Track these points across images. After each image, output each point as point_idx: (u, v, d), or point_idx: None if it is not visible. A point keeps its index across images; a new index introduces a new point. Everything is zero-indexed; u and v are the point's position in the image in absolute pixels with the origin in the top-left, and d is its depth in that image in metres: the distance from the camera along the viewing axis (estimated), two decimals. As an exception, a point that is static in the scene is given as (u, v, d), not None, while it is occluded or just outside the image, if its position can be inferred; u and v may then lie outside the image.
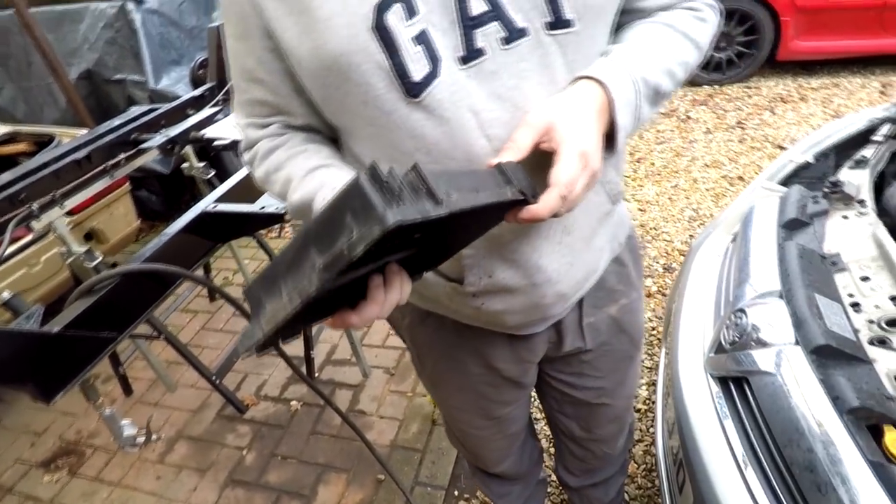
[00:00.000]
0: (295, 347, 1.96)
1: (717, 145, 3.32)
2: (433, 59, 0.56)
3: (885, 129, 1.28)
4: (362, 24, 0.55)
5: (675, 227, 2.70)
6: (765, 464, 0.88)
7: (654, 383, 1.91)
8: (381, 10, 0.54)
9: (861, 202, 1.18)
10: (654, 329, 2.12)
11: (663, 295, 2.29)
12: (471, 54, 0.57)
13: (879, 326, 0.93)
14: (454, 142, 0.59)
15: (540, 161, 0.55)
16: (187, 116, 1.94)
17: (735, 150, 3.24)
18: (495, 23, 0.57)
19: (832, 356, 0.90)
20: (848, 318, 0.95)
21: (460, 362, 0.90)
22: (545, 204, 0.53)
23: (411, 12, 0.55)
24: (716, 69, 3.90)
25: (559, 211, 0.55)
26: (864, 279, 1.02)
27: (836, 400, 0.83)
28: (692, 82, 3.97)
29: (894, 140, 1.27)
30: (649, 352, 2.02)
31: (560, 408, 1.08)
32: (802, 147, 1.39)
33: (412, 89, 0.57)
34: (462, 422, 1.05)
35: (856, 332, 0.92)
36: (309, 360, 1.92)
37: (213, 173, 2.05)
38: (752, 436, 0.93)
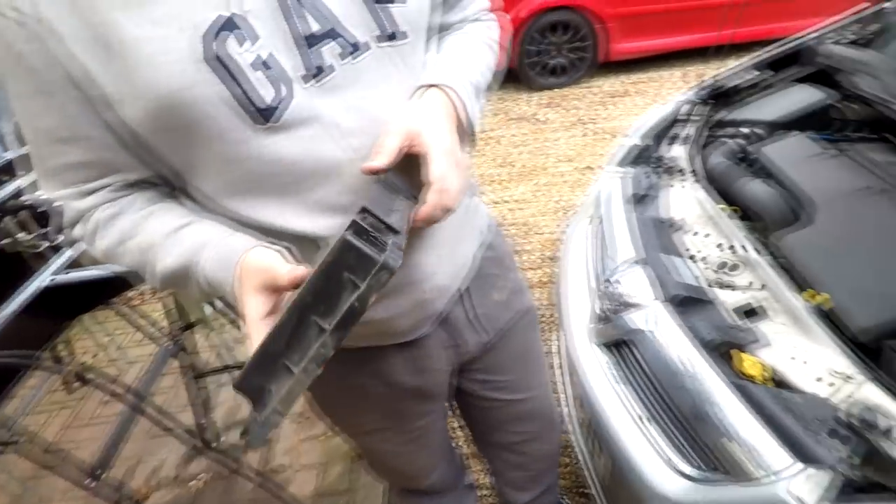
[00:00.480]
0: (186, 416, 1.82)
1: (568, 142, 3.66)
2: (284, 81, 0.58)
3: (688, 109, 1.52)
4: (190, 57, 0.54)
5: (548, 220, 2.93)
6: (660, 414, 1.00)
7: (558, 367, 2.05)
8: (211, 40, 0.54)
9: (682, 172, 1.39)
10: (550, 316, 2.27)
11: (550, 283, 2.46)
12: (320, 72, 0.59)
13: (713, 271, 1.11)
14: (316, 157, 0.61)
15: (405, 168, 0.61)
16: (2, 183, 1.70)
17: (583, 143, 3.60)
18: (336, 40, 0.60)
19: (686, 303, 1.05)
20: (690, 269, 1.11)
21: (360, 388, 0.86)
22: (431, 202, 0.59)
23: (251, 38, 0.56)
24: (556, 74, 4.30)
25: (448, 205, 0.60)
26: (696, 234, 1.20)
27: (696, 338, 0.97)
28: (539, 87, 4.34)
29: (697, 117, 1.51)
30: (545, 339, 2.16)
31: (486, 418, 1.08)
32: (633, 133, 1.60)
33: (262, 115, 0.57)
34: (381, 448, 1.01)
35: (697, 279, 1.09)
36: (203, 428, 1.79)
37: (46, 244, 1.80)
38: (643, 391, 1.05)
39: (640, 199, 1.38)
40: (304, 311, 0.45)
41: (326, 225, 0.65)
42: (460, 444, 1.69)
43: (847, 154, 1.25)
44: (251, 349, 0.50)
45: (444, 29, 0.79)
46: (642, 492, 0.94)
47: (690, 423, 0.91)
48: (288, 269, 0.54)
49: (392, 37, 0.64)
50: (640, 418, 1.00)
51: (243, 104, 0.56)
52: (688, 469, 0.89)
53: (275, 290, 0.55)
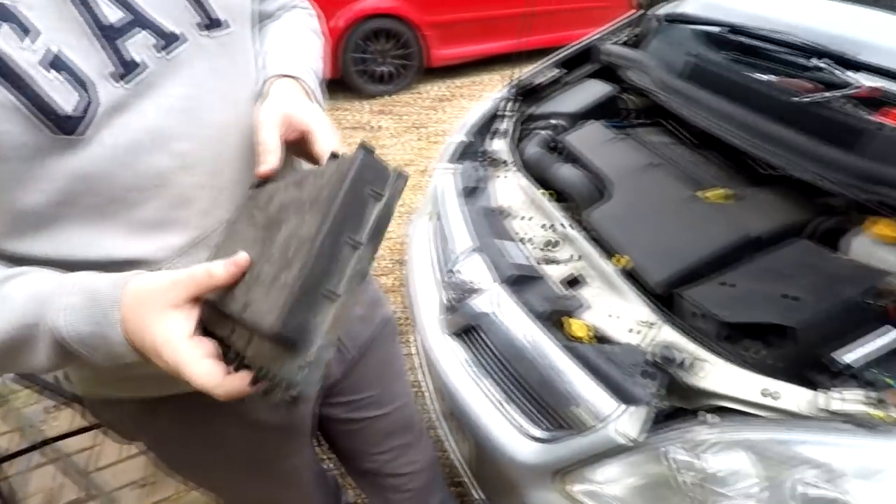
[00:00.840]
0: None
1: (404, 147, 3.75)
2: (84, 82, 0.49)
3: (503, 106, 1.66)
4: None
5: (393, 224, 2.96)
6: (510, 387, 1.07)
7: (418, 366, 2.09)
8: None
9: (505, 163, 1.51)
10: (406, 319, 2.30)
11: (402, 286, 2.50)
12: (127, 69, 0.52)
13: (540, 249, 1.22)
14: (135, 169, 0.53)
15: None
16: None
17: (418, 147, 3.72)
18: (145, 30, 0.53)
19: (520, 282, 1.15)
20: (520, 250, 1.21)
21: (215, 434, 0.77)
22: None
23: (29, 32, 0.47)
24: (385, 81, 4.38)
25: None
26: (523, 219, 1.32)
27: (531, 312, 1.06)
28: (370, 95, 4.38)
29: (511, 113, 1.65)
30: (404, 341, 2.20)
31: (355, 441, 1.02)
32: (459, 130, 1.70)
33: (64, 125, 0.48)
34: (245, 497, 0.92)
35: (528, 258, 1.19)
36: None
37: None
38: (494, 369, 1.12)
39: (472, 192, 1.46)
40: (336, 234, 0.43)
41: (157, 247, 0.57)
42: (331, 465, 1.63)
43: (632, 137, 1.46)
44: (191, 373, 0.45)
45: (262, 18, 0.74)
46: (502, 463, 1.00)
47: (537, 391, 1.00)
48: (220, 263, 0.48)
49: (214, 25, 0.58)
50: (494, 395, 1.07)
51: (38, 112, 0.47)
52: (538, 433, 0.97)
53: (198, 298, 0.48)
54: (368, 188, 0.46)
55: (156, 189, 0.55)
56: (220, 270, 0.48)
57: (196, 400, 0.68)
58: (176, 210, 0.58)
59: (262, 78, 0.67)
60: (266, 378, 0.44)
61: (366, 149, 0.46)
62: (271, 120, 0.58)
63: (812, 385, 0.83)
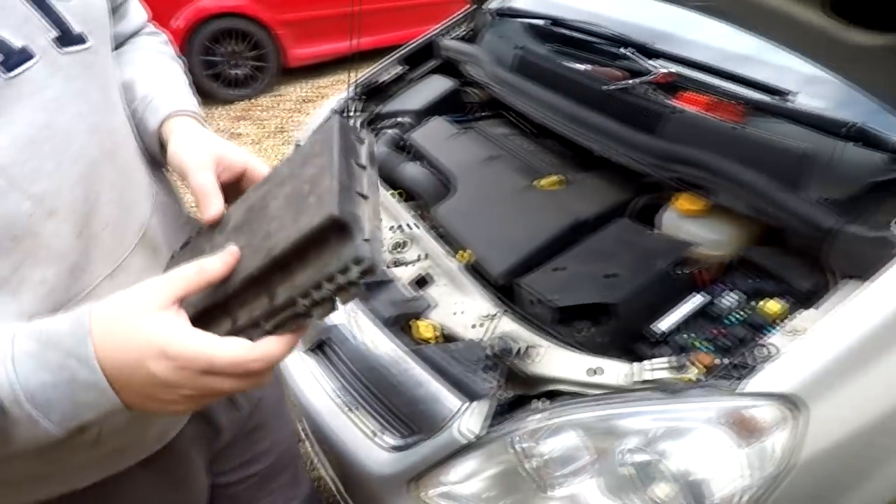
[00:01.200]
0: None
1: (268, 152, 3.57)
2: None
3: (350, 106, 1.61)
4: None
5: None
6: (366, 399, 1.03)
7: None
8: None
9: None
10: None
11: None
12: None
13: (389, 252, 1.20)
14: None
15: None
16: None
17: (283, 153, 3.56)
18: None
19: (372, 288, 1.11)
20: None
21: None
22: None
23: None
24: (240, 85, 4.12)
25: None
26: (369, 222, 1.28)
27: (378, 319, 1.04)
28: (226, 101, 4.10)
29: (358, 113, 1.61)
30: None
31: (244, 500, 0.90)
32: (304, 134, 1.62)
33: None
34: None
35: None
36: None
37: None
38: (349, 382, 1.07)
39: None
40: (345, 160, 0.46)
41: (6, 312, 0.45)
42: None
43: (476, 130, 1.49)
44: (213, 356, 0.42)
45: (118, 43, 0.67)
46: (363, 477, 0.97)
47: (389, 399, 0.97)
48: (215, 257, 0.45)
49: (73, 41, 0.49)
50: (349, 408, 1.03)
51: None
52: (393, 441, 0.95)
53: (181, 298, 0.44)
54: (352, 136, 0.50)
55: (10, 241, 0.45)
56: (215, 264, 0.45)
57: (77, 501, 0.57)
58: (34, 267, 0.47)
59: (149, 114, 0.63)
60: (316, 297, 0.43)
61: (339, 115, 0.53)
62: (202, 163, 0.55)
63: (638, 357, 0.88)
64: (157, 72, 0.68)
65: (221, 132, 3.80)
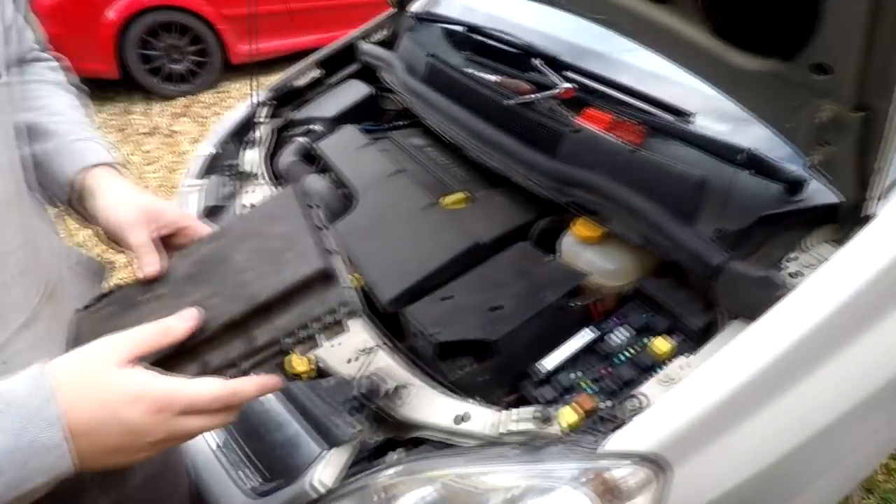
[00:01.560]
0: None
1: (206, 152, 3.41)
2: None
3: (260, 112, 1.51)
4: None
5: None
6: (234, 441, 0.93)
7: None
8: None
9: (256, 175, 1.37)
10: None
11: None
12: None
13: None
14: None
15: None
16: None
17: (223, 152, 3.41)
18: None
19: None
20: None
21: None
22: None
23: None
24: (182, 81, 3.94)
25: None
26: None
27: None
28: (166, 97, 3.91)
29: (268, 120, 1.51)
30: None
31: None
32: (209, 141, 1.51)
33: None
34: None
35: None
36: None
37: None
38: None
39: (218, 211, 1.30)
40: (311, 224, 0.53)
41: None
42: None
43: (389, 140, 1.40)
44: (190, 395, 0.43)
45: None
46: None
47: (251, 442, 0.88)
48: (177, 317, 0.46)
49: None
50: (218, 451, 0.93)
51: None
52: (257, 485, 0.86)
53: (141, 355, 0.44)
54: (307, 202, 0.56)
55: None
56: (179, 325, 0.46)
57: None
58: None
59: (64, 161, 0.61)
60: (301, 336, 0.48)
61: (293, 186, 0.59)
62: (136, 220, 0.56)
63: (524, 397, 0.82)
64: (66, 113, 0.65)
65: (160, 129, 3.62)
